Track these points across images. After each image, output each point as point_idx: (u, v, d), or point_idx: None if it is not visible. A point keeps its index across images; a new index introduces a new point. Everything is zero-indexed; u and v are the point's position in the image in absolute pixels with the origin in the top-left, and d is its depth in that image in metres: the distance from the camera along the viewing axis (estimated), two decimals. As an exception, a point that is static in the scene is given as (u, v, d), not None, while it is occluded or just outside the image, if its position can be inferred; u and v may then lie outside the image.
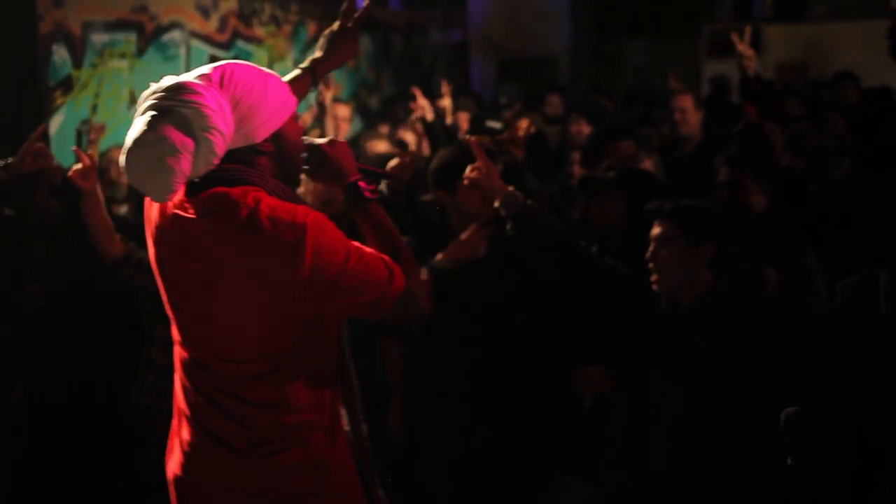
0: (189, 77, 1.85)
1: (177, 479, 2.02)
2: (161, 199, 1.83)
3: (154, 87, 1.84)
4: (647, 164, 4.26)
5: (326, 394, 2.00)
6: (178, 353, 2.03)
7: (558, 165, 5.65)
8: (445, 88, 6.39)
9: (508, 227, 2.93)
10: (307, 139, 2.04)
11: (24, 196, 3.60)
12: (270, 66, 8.26)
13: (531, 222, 2.90)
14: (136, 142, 1.76)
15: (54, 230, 3.84)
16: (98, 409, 3.83)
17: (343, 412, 2.06)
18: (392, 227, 2.03)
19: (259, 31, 7.96)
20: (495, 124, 5.65)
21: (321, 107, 6.13)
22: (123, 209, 4.63)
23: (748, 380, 2.66)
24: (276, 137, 1.90)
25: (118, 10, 6.56)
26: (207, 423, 1.96)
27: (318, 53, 2.35)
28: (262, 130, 1.86)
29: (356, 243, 1.91)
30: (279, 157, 1.92)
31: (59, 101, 6.11)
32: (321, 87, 6.63)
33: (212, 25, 7.46)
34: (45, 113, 5.96)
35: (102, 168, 5.24)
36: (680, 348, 2.77)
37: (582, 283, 3.12)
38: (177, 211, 1.88)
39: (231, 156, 1.85)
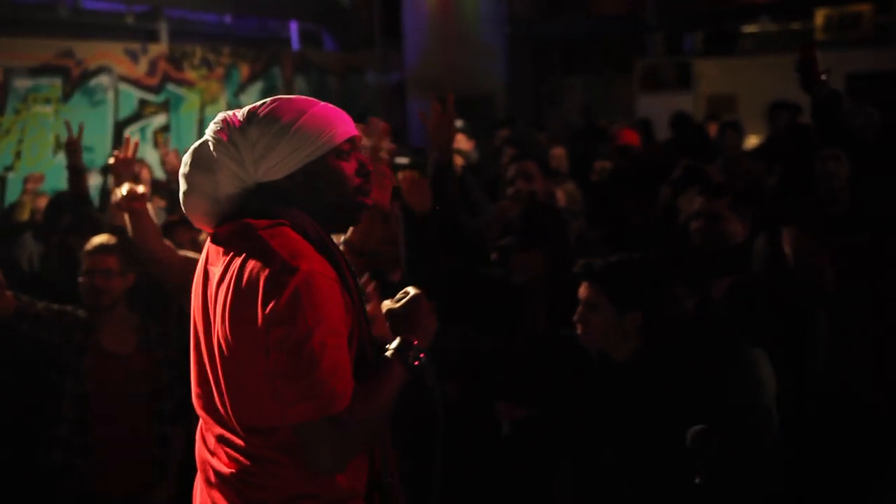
0: (238, 111, 1.86)
1: None
2: (192, 219, 1.87)
3: None
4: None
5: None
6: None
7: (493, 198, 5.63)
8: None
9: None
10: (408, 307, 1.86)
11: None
12: (202, 110, 8.14)
13: None
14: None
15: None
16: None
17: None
18: (392, 397, 1.78)
19: (190, 75, 7.83)
20: (403, 160, 5.61)
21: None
22: None
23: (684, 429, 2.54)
24: (307, 173, 1.81)
25: (42, 56, 6.41)
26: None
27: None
28: (282, 168, 1.79)
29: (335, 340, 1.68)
30: (308, 194, 1.81)
31: (-21, 149, 5.91)
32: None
33: (141, 69, 7.32)
34: (-34, 161, 5.76)
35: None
36: (614, 403, 2.65)
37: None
38: (209, 243, 1.85)
39: (264, 187, 1.81)
